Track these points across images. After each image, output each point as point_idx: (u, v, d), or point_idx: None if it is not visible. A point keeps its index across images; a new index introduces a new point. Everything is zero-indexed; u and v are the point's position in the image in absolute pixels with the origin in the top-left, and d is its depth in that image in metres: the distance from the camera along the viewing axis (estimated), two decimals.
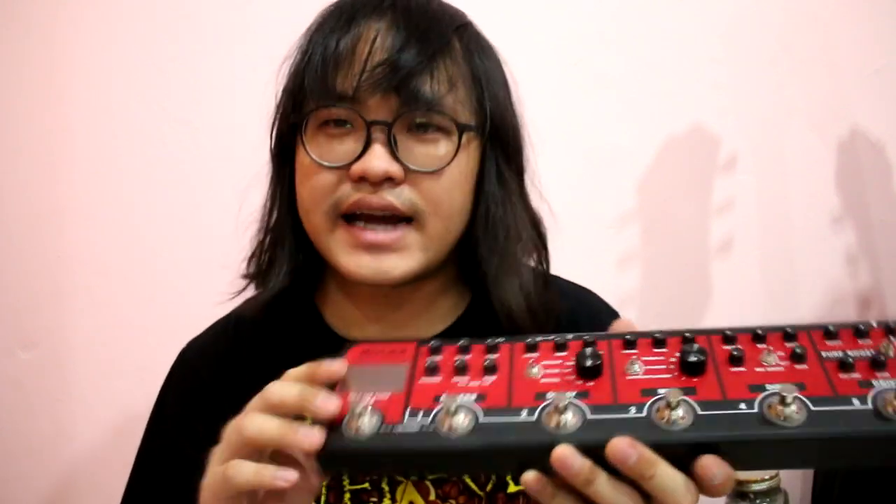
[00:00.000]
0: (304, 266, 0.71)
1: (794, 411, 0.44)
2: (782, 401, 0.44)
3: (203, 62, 1.27)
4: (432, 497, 0.69)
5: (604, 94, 1.33)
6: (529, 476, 0.45)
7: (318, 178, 0.64)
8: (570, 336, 0.52)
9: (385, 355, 0.54)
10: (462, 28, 0.68)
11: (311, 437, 0.47)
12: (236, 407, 0.53)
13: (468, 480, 0.69)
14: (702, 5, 1.33)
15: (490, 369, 0.50)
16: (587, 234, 1.32)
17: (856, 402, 0.44)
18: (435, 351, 0.53)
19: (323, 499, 0.69)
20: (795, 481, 1.37)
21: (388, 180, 0.62)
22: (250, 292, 0.76)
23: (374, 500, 0.69)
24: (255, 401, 0.51)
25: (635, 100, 1.33)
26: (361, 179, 0.62)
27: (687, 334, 0.51)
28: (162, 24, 1.27)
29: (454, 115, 0.64)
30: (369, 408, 0.48)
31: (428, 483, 0.69)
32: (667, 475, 0.44)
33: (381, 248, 0.63)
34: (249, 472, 0.49)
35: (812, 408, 0.44)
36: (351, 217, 0.64)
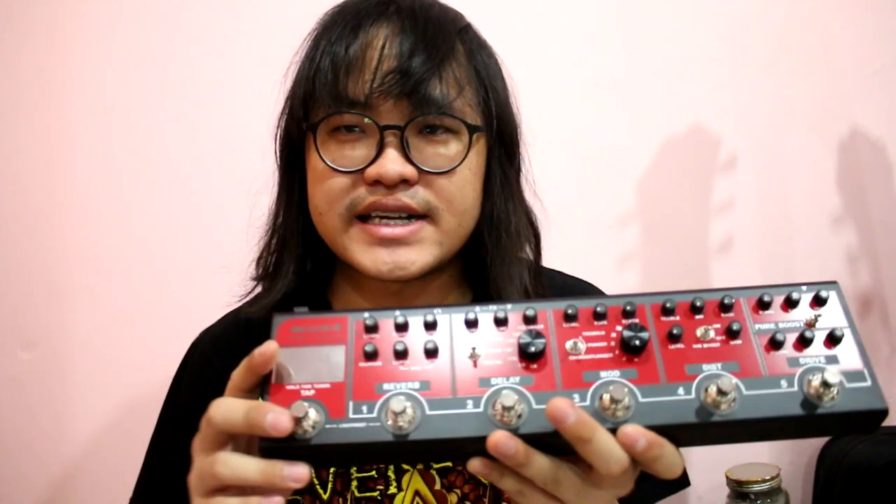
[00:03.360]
0: (314, 265, 0.72)
1: (730, 399, 0.47)
2: (720, 391, 0.46)
3: (203, 62, 1.27)
4: (437, 486, 0.70)
5: (604, 94, 1.33)
6: (476, 463, 0.47)
7: (333, 182, 0.65)
8: (509, 306, 0.51)
9: (318, 335, 0.51)
10: (464, 30, 0.70)
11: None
12: None
13: None
14: (702, 5, 1.34)
15: (430, 352, 0.49)
16: (587, 234, 1.32)
17: (783, 383, 0.48)
18: (370, 329, 0.51)
19: (330, 486, 0.69)
20: (796, 481, 1.37)
21: (403, 182, 0.64)
22: (259, 289, 0.77)
23: (381, 487, 0.70)
24: (203, 429, 0.49)
25: (635, 100, 1.33)
26: (376, 182, 0.64)
27: (627, 307, 0.51)
28: (163, 24, 1.27)
29: (463, 116, 0.66)
30: (312, 402, 0.47)
31: (433, 472, 0.71)
32: (605, 440, 0.45)
33: (396, 242, 0.65)
34: None
35: (745, 392, 0.47)
36: (365, 217, 0.65)
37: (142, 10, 1.26)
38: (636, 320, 0.50)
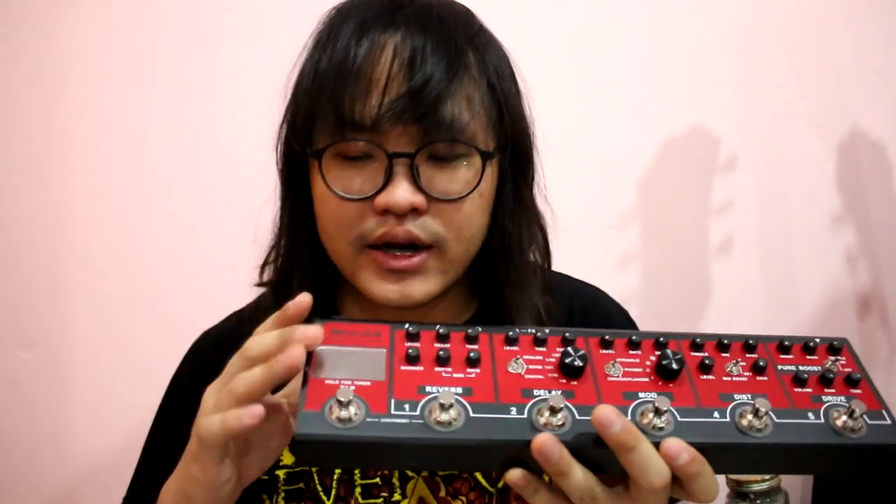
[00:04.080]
0: (322, 277, 0.71)
1: (764, 423, 0.48)
2: (756, 413, 0.48)
3: (203, 63, 1.27)
4: (442, 493, 0.69)
5: (604, 95, 1.33)
6: (515, 473, 0.46)
7: (341, 210, 0.63)
8: (547, 330, 0.53)
9: (359, 338, 0.51)
10: (476, 34, 0.66)
11: (309, 331, 0.48)
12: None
13: (479, 477, 0.70)
14: (702, 6, 1.34)
15: (473, 362, 0.50)
16: (588, 234, 1.32)
17: (811, 415, 0.50)
18: (412, 337, 0.52)
19: (333, 492, 0.69)
20: (796, 481, 1.37)
21: (412, 210, 0.62)
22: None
23: (385, 494, 0.69)
24: (235, 360, 0.52)
25: (635, 100, 1.33)
26: (385, 211, 0.61)
27: (661, 338, 0.53)
28: (165, 25, 1.27)
29: (475, 141, 0.63)
30: (353, 395, 0.46)
31: (438, 479, 0.69)
32: (648, 451, 0.45)
33: (404, 274, 0.64)
34: (216, 422, 0.50)
35: (776, 420, 0.49)
36: (374, 245, 0.64)
37: (145, 10, 1.26)
38: (670, 350, 0.52)
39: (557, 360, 0.50)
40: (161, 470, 0.73)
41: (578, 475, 0.46)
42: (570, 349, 0.50)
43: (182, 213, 1.27)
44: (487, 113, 0.64)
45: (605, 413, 0.45)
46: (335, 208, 0.63)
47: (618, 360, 0.51)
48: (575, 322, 0.76)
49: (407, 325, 0.52)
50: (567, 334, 0.52)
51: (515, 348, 0.52)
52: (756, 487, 1.16)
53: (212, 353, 0.77)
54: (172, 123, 1.27)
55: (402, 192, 0.60)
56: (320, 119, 0.62)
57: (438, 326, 0.52)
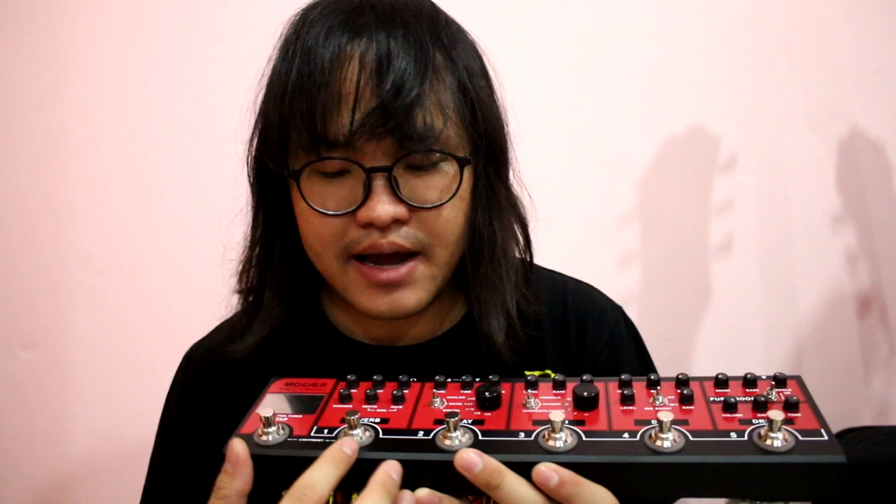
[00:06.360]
0: (301, 290, 0.71)
1: (671, 438, 0.47)
2: (661, 427, 0.47)
3: (204, 63, 1.27)
4: None
5: (604, 95, 1.33)
6: (422, 493, 0.48)
7: (324, 225, 0.63)
8: (478, 378, 0.57)
9: (307, 387, 0.59)
10: (439, 31, 0.64)
11: None
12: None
13: None
14: (701, 6, 1.34)
15: (398, 399, 0.55)
16: (587, 234, 1.32)
17: (734, 435, 0.47)
18: (351, 385, 0.58)
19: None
20: None
21: (395, 221, 0.62)
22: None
23: None
24: None
25: (635, 100, 1.33)
26: (368, 224, 0.61)
27: (585, 376, 0.55)
28: (164, 25, 1.27)
29: (450, 146, 0.62)
30: (279, 423, 0.53)
31: None
32: (514, 485, 0.47)
33: (393, 286, 0.64)
34: None
35: (691, 438, 0.47)
36: (361, 256, 0.64)
37: (144, 11, 1.26)
38: (592, 385, 0.53)
39: (476, 391, 0.54)
40: (168, 488, 0.73)
41: (513, 483, 0.47)
42: (487, 384, 0.54)
43: (181, 213, 1.28)
44: (460, 115, 0.63)
45: (466, 457, 0.47)
46: (318, 225, 0.63)
47: (540, 397, 0.54)
48: (570, 320, 0.75)
49: (348, 376, 0.59)
50: (492, 377, 0.56)
51: (442, 391, 0.56)
52: None
53: (209, 362, 0.76)
54: (172, 123, 1.27)
55: (383, 206, 0.60)
56: (293, 137, 0.62)
57: (375, 377, 0.58)
